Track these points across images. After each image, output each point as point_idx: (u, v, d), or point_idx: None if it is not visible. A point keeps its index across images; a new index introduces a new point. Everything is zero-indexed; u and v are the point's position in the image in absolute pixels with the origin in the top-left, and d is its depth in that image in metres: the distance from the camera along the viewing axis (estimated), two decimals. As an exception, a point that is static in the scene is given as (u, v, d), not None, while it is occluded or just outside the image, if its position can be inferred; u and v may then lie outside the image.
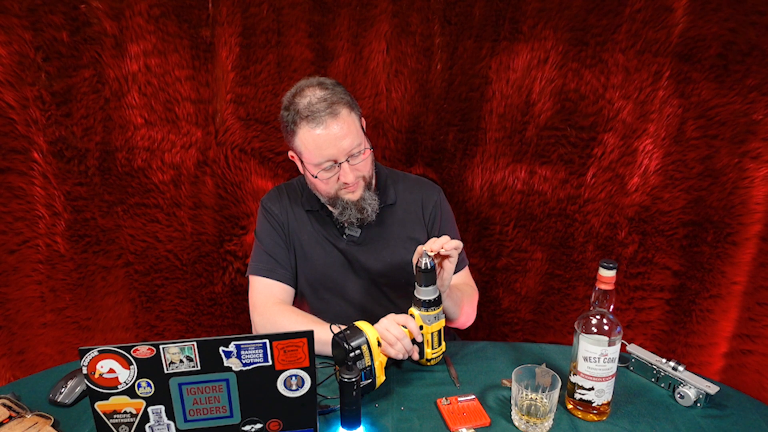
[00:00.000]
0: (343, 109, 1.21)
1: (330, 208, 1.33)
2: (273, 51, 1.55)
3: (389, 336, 1.10)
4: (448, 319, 1.26)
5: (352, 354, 1.03)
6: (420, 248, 1.12)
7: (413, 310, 1.14)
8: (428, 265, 1.10)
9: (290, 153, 1.32)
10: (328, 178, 1.25)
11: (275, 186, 1.45)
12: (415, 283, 1.13)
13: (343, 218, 1.31)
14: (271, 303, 1.31)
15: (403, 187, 1.42)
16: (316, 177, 1.25)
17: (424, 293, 1.12)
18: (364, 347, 1.05)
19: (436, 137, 1.65)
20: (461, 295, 1.31)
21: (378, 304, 1.37)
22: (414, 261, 1.14)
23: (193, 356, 0.85)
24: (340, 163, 1.23)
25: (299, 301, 1.41)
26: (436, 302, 1.13)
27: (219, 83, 1.57)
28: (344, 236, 1.35)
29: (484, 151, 1.64)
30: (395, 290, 1.38)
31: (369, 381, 1.07)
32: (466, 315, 1.34)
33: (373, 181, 1.34)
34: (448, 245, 1.11)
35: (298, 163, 1.31)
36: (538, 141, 1.61)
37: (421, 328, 1.14)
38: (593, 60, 1.52)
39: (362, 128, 1.28)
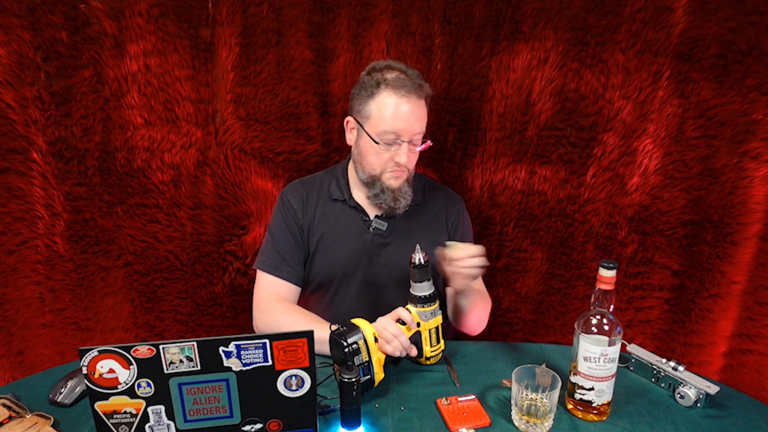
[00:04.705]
0: (426, 96, 1.27)
1: (365, 187, 1.34)
2: (273, 51, 1.55)
3: (386, 333, 1.11)
4: (460, 310, 1.28)
5: (347, 348, 1.03)
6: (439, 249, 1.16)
7: (410, 306, 1.15)
8: (421, 261, 1.11)
9: (348, 119, 1.33)
10: (383, 152, 1.27)
11: (299, 178, 1.47)
12: (410, 280, 1.14)
13: (376, 201, 1.33)
14: (273, 300, 1.32)
15: (430, 191, 1.46)
16: (377, 143, 1.26)
17: (418, 289, 1.13)
18: (361, 342, 1.05)
19: (436, 137, 1.64)
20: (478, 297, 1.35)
21: (391, 302, 1.37)
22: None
23: (193, 356, 0.85)
24: (401, 142, 1.25)
25: (311, 296, 1.41)
26: (432, 298, 1.14)
27: (219, 83, 1.57)
28: (371, 229, 1.36)
29: (484, 151, 1.64)
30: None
31: (368, 377, 1.07)
32: (477, 316, 1.35)
33: (412, 179, 1.36)
34: (466, 264, 1.14)
35: (354, 131, 1.33)
36: (538, 141, 1.61)
37: (418, 325, 1.14)
38: (593, 60, 1.52)
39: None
